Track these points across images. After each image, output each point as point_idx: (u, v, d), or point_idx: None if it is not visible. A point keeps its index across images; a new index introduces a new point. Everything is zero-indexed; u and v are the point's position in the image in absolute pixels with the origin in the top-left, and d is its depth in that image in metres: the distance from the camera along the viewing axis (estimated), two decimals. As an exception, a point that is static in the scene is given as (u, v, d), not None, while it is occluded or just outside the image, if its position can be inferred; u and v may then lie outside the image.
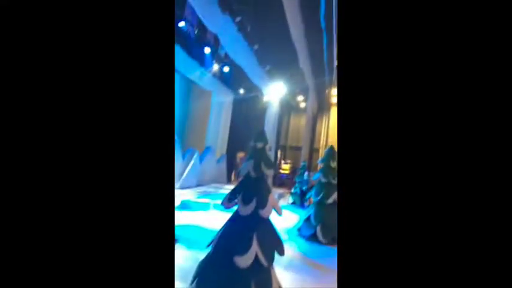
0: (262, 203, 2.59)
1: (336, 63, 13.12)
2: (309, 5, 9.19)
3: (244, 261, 2.39)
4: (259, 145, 2.75)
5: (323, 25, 10.08)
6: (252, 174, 2.68)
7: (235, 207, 2.67)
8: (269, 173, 2.73)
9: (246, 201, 2.57)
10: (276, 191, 10.38)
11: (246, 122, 12.59)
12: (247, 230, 2.53)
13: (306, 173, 8.72)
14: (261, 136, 2.81)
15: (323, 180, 5.33)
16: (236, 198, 2.63)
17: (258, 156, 2.72)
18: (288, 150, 17.00)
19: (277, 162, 14.40)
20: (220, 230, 2.67)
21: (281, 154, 15.60)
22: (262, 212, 2.58)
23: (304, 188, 8.66)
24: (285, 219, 6.01)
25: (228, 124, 11.84)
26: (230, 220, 2.70)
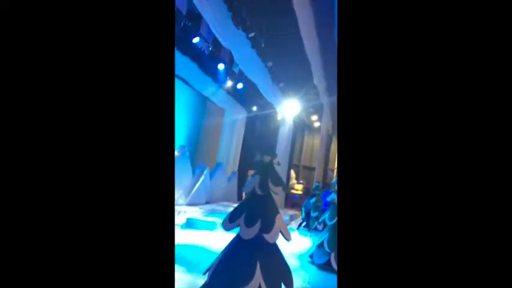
0: (268, 225, 2.26)
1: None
2: (323, 21, 9.10)
3: (244, 294, 2.04)
4: (266, 159, 2.45)
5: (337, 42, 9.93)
6: (258, 191, 2.38)
7: (237, 229, 2.35)
8: (277, 190, 2.41)
9: (249, 223, 2.25)
10: (287, 212, 9.91)
11: (258, 139, 12.36)
12: (249, 257, 2.19)
13: (316, 193, 8.16)
14: (268, 149, 2.52)
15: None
16: (238, 218, 2.31)
17: (265, 172, 2.42)
18: (301, 170, 16.56)
19: (290, 181, 13.99)
20: (219, 255, 2.34)
21: (294, 174, 15.18)
22: (268, 236, 2.24)
23: (312, 209, 8.04)
24: (295, 244, 5.57)
25: (241, 141, 11.64)
26: (230, 244, 2.37)
